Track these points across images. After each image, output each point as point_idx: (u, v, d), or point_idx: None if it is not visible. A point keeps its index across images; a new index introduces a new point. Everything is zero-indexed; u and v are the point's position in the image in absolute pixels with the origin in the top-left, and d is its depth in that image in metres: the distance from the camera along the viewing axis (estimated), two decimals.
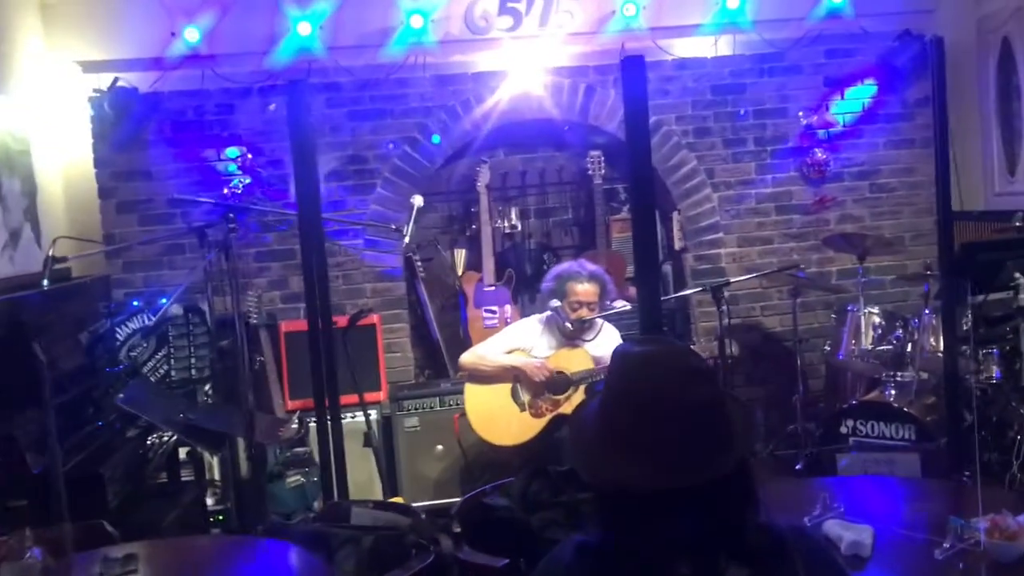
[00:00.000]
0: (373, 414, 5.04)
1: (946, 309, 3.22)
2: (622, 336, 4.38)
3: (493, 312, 5.61)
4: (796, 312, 5.15)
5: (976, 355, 4.42)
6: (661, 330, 3.02)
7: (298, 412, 4.93)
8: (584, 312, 4.15)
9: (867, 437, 4.42)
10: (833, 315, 4.94)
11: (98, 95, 5.19)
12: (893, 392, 4.52)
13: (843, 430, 4.51)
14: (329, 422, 3.19)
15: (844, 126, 5.80)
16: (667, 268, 5.94)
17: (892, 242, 4.90)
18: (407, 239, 4.05)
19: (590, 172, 5.66)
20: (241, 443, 4.75)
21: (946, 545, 2.05)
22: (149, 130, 5.30)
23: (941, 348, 4.45)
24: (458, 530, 2.57)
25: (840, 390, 5.04)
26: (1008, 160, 5.46)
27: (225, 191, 5.32)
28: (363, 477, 4.78)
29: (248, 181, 5.33)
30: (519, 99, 5.53)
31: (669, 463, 1.44)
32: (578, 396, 4.07)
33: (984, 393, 4.57)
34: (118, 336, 4.84)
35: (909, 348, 4.55)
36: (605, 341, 4.31)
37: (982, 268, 3.88)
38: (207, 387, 4.94)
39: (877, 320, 4.69)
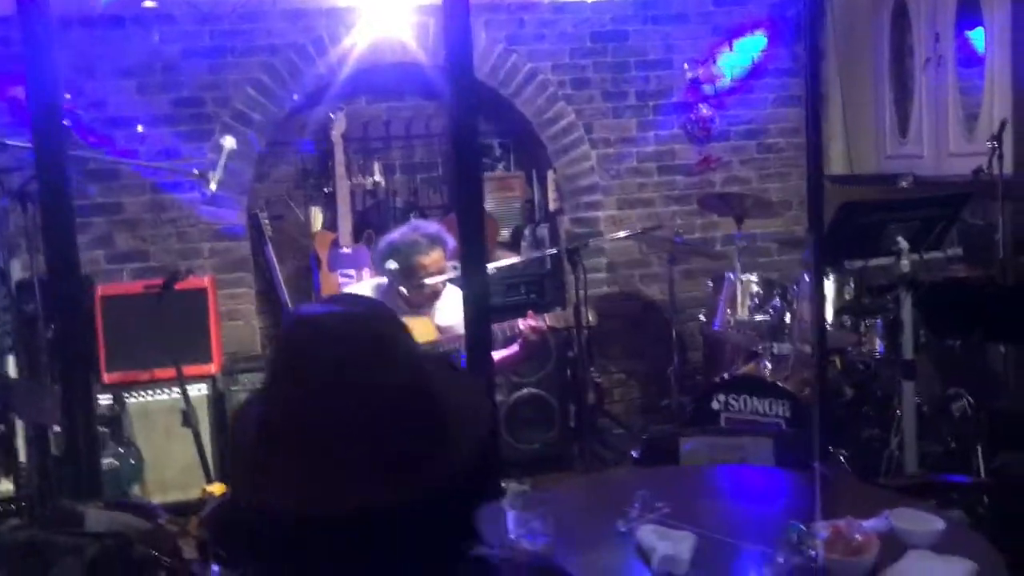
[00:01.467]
0: (202, 388, 4.50)
1: (814, 272, 2.83)
2: None
3: (350, 276, 5.08)
4: (673, 279, 4.77)
5: (858, 326, 4.11)
6: (486, 303, 2.56)
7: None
8: (436, 283, 3.66)
9: (739, 413, 4.07)
10: (710, 282, 4.56)
11: None
12: (769, 365, 4.18)
13: (715, 405, 4.15)
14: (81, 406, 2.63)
15: (732, 81, 5.42)
16: (543, 231, 5.48)
17: (773, 204, 4.53)
18: (213, 186, 3.50)
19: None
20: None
21: (780, 560, 1.65)
22: None
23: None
24: (206, 537, 2.07)
25: (718, 363, 4.69)
26: (900, 121, 5.15)
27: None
28: (186, 461, 4.24)
29: (65, 123, 4.65)
30: (381, 41, 4.98)
31: (329, 479, 0.97)
32: None
33: (867, 367, 4.27)
34: None
35: (788, 318, 4.19)
36: (449, 306, 3.83)
37: (862, 231, 3.51)
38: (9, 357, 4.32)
39: (755, 288, 4.31)
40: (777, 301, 4.22)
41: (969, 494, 2.04)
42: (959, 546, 1.67)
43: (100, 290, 4.51)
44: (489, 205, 5.41)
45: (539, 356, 4.64)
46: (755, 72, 5.42)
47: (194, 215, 4.91)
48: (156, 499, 4.33)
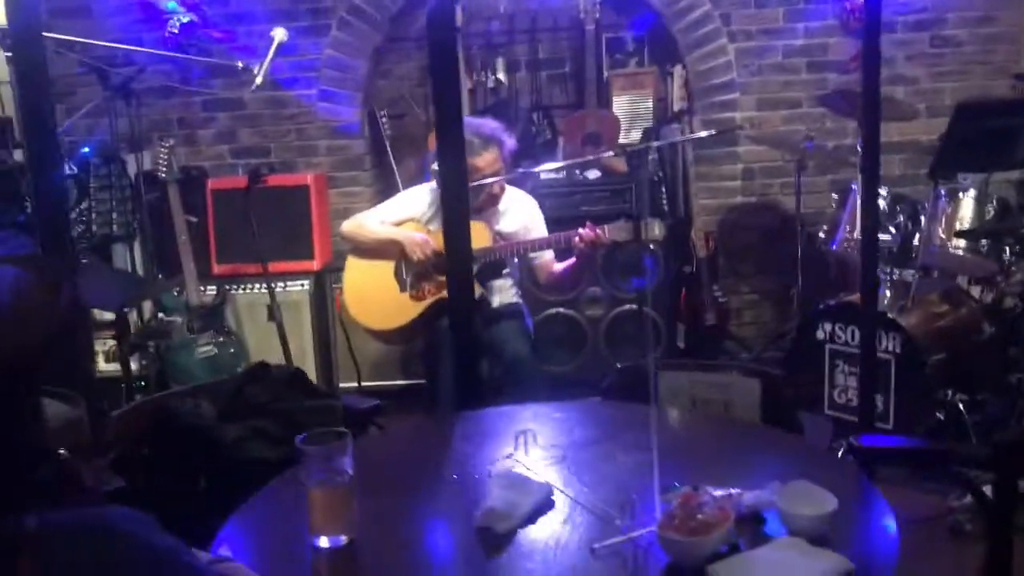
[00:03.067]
0: (305, 284, 4.57)
1: (862, 186, 2.33)
2: (544, 206, 3.67)
3: None
4: (800, 190, 4.26)
5: (999, 253, 3.48)
6: (463, 208, 2.33)
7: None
8: (492, 185, 3.44)
9: (845, 345, 3.62)
10: (834, 195, 4.02)
11: None
12: (888, 293, 3.66)
13: (819, 335, 3.71)
14: None
15: None
16: (674, 132, 5.04)
17: (903, 106, 3.85)
18: (259, 80, 3.43)
19: (581, 16, 4.79)
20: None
21: (617, 523, 1.37)
22: None
23: (954, 243, 3.53)
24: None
25: (839, 286, 4.18)
26: None
27: (166, 32, 4.81)
28: (270, 353, 4.36)
29: (186, 20, 4.77)
30: None
31: None
32: None
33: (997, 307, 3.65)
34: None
35: (916, 240, 3.62)
36: (516, 214, 3.61)
37: (988, 137, 2.91)
38: (132, 245, 4.58)
39: (882, 204, 3.75)
40: (901, 219, 3.65)
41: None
42: (853, 538, 1.32)
43: (210, 184, 4.65)
44: (619, 104, 5.06)
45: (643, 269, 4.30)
46: None
47: (311, 112, 4.93)
48: None
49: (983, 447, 1.53)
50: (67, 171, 4.52)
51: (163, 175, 4.24)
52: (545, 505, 1.48)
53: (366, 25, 4.81)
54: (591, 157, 4.21)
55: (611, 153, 4.04)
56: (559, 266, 3.55)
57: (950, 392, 3.48)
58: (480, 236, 3.44)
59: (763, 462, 1.65)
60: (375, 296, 3.52)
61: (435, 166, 3.32)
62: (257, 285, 4.52)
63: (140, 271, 4.57)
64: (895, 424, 3.52)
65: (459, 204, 2.31)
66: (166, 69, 4.82)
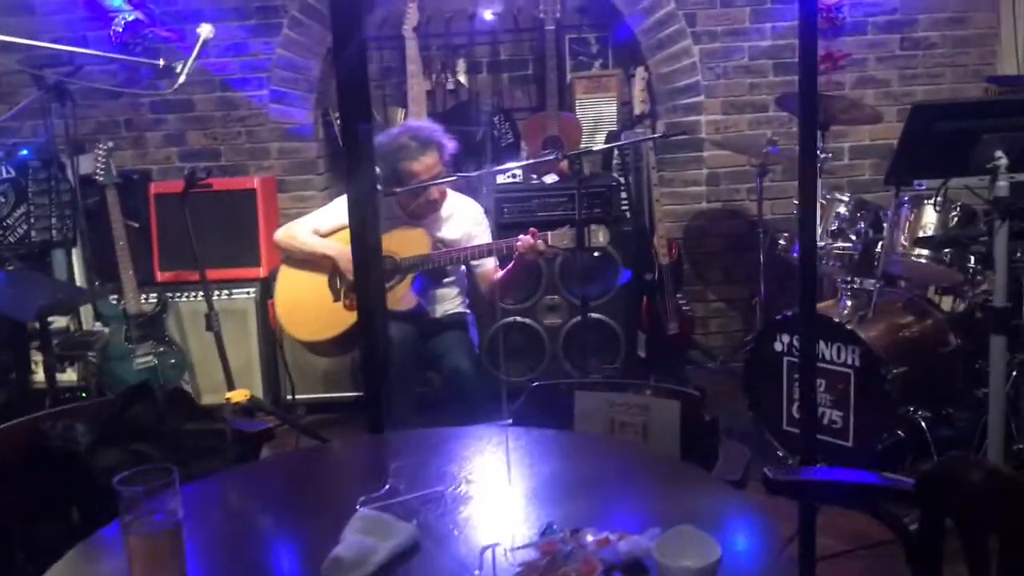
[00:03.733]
0: (251, 292, 4.40)
1: (803, 193, 2.16)
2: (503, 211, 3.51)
3: None
4: (761, 195, 4.10)
5: (963, 262, 3.33)
6: (369, 222, 2.17)
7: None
8: (434, 192, 3.28)
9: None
10: (795, 201, 3.86)
11: None
12: (848, 304, 3.50)
13: (777, 347, 3.57)
14: None
15: None
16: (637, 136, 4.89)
17: (867, 109, 3.69)
18: (182, 78, 3.27)
19: (541, 15, 4.63)
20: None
21: (477, 574, 1.21)
22: None
23: (916, 252, 3.38)
24: None
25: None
26: None
27: (111, 31, 4.64)
28: (235, 365, 4.19)
29: (131, 18, 4.60)
30: None
31: None
32: (403, 287, 3.24)
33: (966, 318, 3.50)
34: None
35: (879, 248, 3.46)
36: (460, 220, 3.44)
37: (945, 142, 2.75)
38: (71, 251, 4.40)
39: (843, 210, 3.60)
40: (862, 225, 3.50)
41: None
42: None
43: (153, 188, 4.48)
44: (582, 107, 4.90)
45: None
46: None
47: (262, 114, 4.76)
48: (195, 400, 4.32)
49: (909, 480, 1.37)
50: (4, 174, 4.37)
51: (100, 178, 4.07)
52: (408, 551, 1.31)
53: (318, 24, 4.65)
54: (529, 162, 4.06)
55: (528, 162, 3.91)
56: (499, 274, 3.39)
57: (912, 408, 3.33)
58: (419, 242, 3.29)
59: (660, 499, 1.48)
60: (307, 306, 3.36)
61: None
62: (202, 293, 4.35)
63: (79, 278, 4.39)
64: (854, 441, 3.37)
65: (367, 228, 2.14)
66: (112, 69, 4.66)
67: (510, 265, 3.26)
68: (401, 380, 3.15)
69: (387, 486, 1.48)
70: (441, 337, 3.32)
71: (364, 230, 2.12)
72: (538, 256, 3.14)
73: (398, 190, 3.12)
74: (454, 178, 3.31)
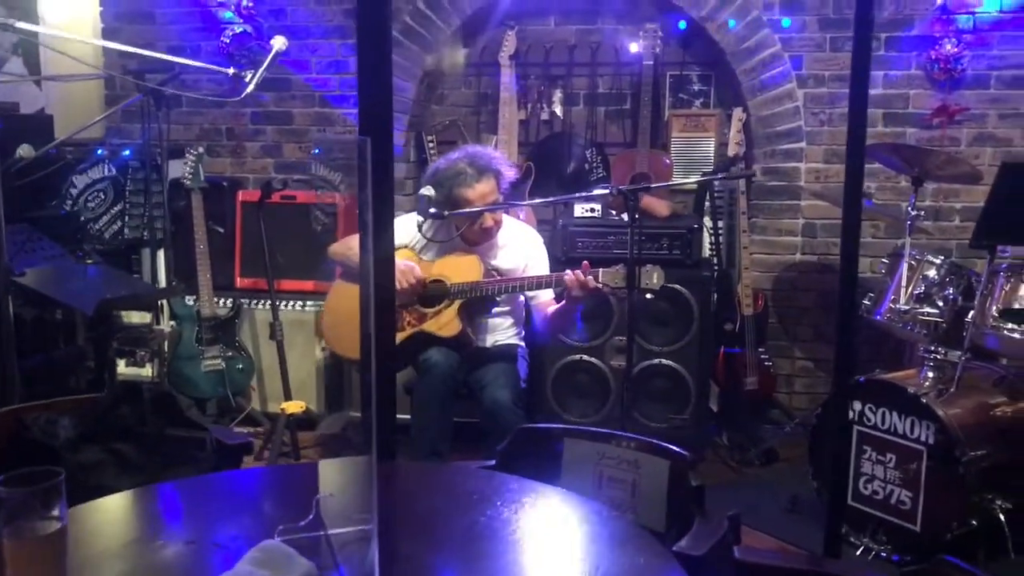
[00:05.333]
0: (321, 305, 4.42)
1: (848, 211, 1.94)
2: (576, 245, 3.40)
3: None
4: (858, 251, 3.83)
5: None
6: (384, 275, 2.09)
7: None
8: (488, 219, 3.21)
9: (874, 428, 3.20)
10: (884, 259, 3.60)
11: None
12: (930, 375, 3.22)
13: (849, 414, 3.30)
14: None
15: (1000, 11, 4.21)
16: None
17: (966, 166, 3.37)
18: (251, 87, 3.30)
19: (640, 50, 4.52)
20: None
21: None
22: None
23: (1008, 325, 3.08)
24: None
25: (882, 360, 3.74)
26: None
27: (223, 40, 4.79)
28: (301, 375, 4.24)
29: (240, 31, 4.74)
30: None
31: None
32: (450, 313, 3.16)
33: None
34: (75, 183, 4.51)
35: (970, 316, 3.18)
36: (517, 249, 3.35)
37: None
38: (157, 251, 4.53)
39: (932, 273, 3.32)
40: (950, 291, 3.22)
41: None
42: None
43: (240, 196, 4.57)
44: (677, 145, 4.75)
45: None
46: None
47: (355, 131, 4.80)
48: (257, 407, 4.37)
49: None
50: (106, 173, 4.56)
51: (188, 182, 4.18)
52: None
53: (416, 47, 4.67)
54: (580, 195, 3.95)
55: (576, 195, 3.81)
56: (552, 308, 3.27)
57: (991, 496, 3.01)
58: (471, 269, 3.21)
59: (596, 557, 1.34)
60: (352, 322, 3.32)
61: (426, 190, 3.11)
62: (278, 301, 4.41)
63: (162, 277, 4.52)
64: (922, 525, 3.08)
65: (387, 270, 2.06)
66: (218, 78, 4.80)
67: (561, 301, 3.15)
68: (436, 407, 3.07)
69: (311, 517, 1.39)
70: (486, 368, 3.23)
71: (377, 246, 2.04)
72: (588, 293, 3.01)
73: (446, 213, 3.05)
74: (501, 206, 3.22)
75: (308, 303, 4.42)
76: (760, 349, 4.32)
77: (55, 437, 1.90)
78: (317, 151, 4.64)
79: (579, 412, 4.19)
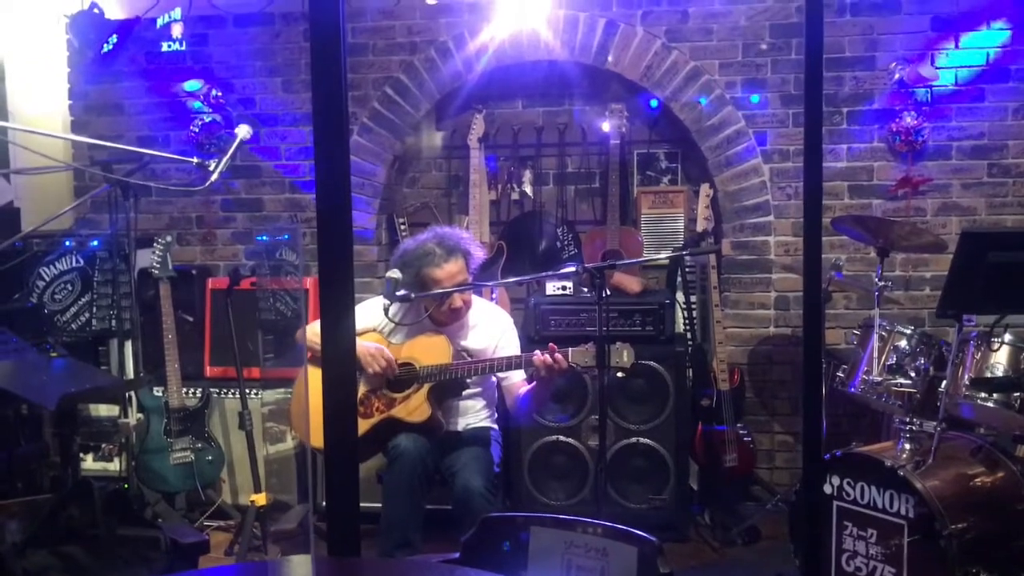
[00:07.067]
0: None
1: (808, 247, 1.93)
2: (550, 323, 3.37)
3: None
4: (823, 323, 3.84)
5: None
6: (346, 354, 2.04)
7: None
8: (457, 299, 3.18)
9: (853, 503, 3.14)
10: (856, 330, 3.59)
11: (68, 19, 4.85)
12: (907, 447, 3.18)
13: (827, 488, 3.25)
14: None
15: (956, 84, 4.30)
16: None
17: (929, 236, 3.39)
18: (215, 176, 3.29)
19: (608, 130, 4.58)
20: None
21: None
22: (122, 59, 4.88)
23: (981, 394, 3.06)
24: None
25: (858, 433, 3.70)
26: None
27: (192, 130, 4.82)
28: (273, 466, 4.15)
29: (209, 120, 4.77)
30: (524, 36, 4.56)
31: None
32: (419, 397, 3.11)
33: None
34: (43, 275, 4.47)
35: (943, 386, 3.15)
36: (487, 329, 3.32)
37: (1001, 274, 2.49)
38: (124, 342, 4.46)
39: (903, 344, 3.31)
40: (923, 361, 3.20)
41: None
42: None
43: (209, 283, 4.54)
44: (647, 222, 4.78)
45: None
46: (989, 74, 4.26)
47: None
48: (228, 499, 4.26)
49: None
50: (74, 264, 4.52)
51: (156, 271, 4.15)
52: None
53: (386, 131, 4.71)
54: (547, 274, 3.96)
55: (543, 275, 3.81)
56: (524, 389, 3.23)
57: (975, 570, 2.95)
58: (440, 351, 3.17)
59: None
60: (317, 410, 3.26)
61: (393, 273, 3.07)
62: (247, 390, 4.34)
63: (130, 368, 4.44)
64: None
65: (346, 343, 2.02)
66: (187, 167, 4.81)
67: (532, 382, 3.11)
68: (406, 495, 3.00)
69: None
70: (458, 453, 3.16)
71: (338, 327, 2.00)
72: (557, 374, 2.97)
73: (413, 296, 3.02)
74: (470, 286, 3.20)
75: (281, 390, 4.35)
76: (739, 424, 4.27)
77: (1, 542, 1.83)
78: (263, 238, 4.64)
79: (557, 495, 4.11)
